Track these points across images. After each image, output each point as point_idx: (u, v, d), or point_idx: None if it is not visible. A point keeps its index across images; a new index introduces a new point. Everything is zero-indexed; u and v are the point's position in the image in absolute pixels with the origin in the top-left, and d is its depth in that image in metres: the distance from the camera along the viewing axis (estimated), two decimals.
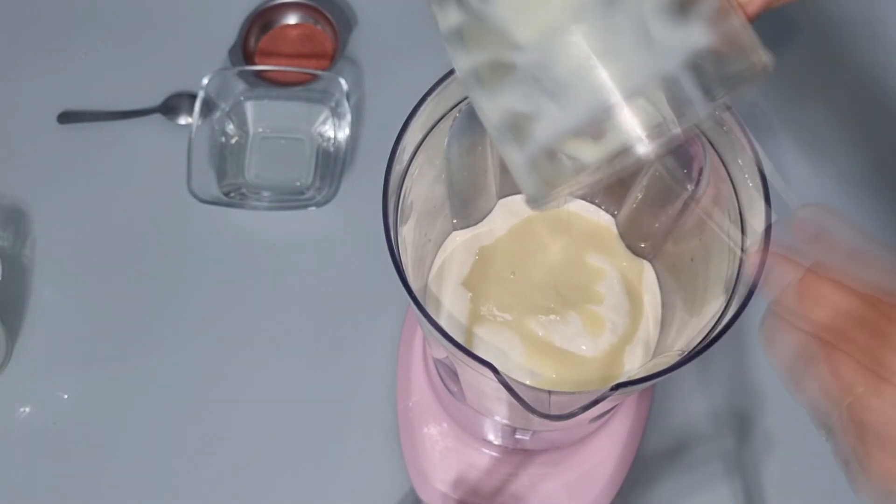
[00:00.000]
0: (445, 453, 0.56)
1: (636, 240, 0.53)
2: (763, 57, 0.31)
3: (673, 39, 0.30)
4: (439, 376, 0.55)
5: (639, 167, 0.31)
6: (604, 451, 0.56)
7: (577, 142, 0.32)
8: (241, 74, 0.69)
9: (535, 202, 0.34)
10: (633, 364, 0.49)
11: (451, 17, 0.34)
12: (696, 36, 0.30)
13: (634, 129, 0.30)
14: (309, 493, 0.59)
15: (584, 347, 0.49)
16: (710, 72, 0.30)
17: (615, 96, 0.30)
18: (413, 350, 0.59)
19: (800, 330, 0.32)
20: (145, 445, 0.61)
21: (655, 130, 0.30)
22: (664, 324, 0.51)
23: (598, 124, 0.31)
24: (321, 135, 0.70)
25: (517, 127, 0.33)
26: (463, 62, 0.34)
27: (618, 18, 0.30)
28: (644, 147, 0.30)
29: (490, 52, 0.33)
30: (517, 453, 0.56)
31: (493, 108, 0.34)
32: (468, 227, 0.53)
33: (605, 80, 0.30)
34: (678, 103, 0.30)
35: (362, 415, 0.61)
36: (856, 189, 0.68)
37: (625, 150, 0.31)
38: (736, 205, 0.42)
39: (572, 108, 0.31)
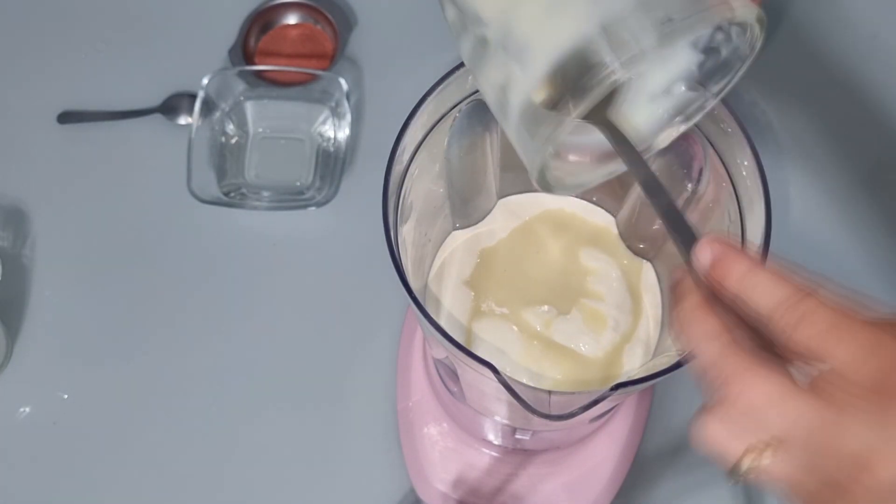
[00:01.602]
0: (445, 453, 0.56)
1: (636, 240, 0.53)
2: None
3: None
4: (439, 376, 0.55)
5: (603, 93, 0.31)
6: (604, 451, 0.56)
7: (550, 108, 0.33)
8: (241, 74, 0.69)
9: (536, 174, 0.36)
10: (633, 364, 0.49)
11: (449, 12, 0.37)
12: None
13: (604, 59, 0.31)
14: (309, 493, 0.59)
15: (585, 346, 0.49)
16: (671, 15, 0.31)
17: (566, 46, 0.32)
18: (413, 350, 0.59)
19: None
20: (145, 445, 0.61)
21: (601, 70, 0.31)
22: (664, 324, 0.51)
23: (559, 74, 0.33)
24: (321, 135, 0.70)
25: (502, 101, 0.35)
26: (462, 48, 0.37)
27: None
28: (604, 75, 0.31)
29: (471, 33, 0.36)
30: (517, 453, 0.56)
31: (486, 84, 0.36)
32: (468, 226, 0.53)
33: (556, 32, 0.32)
34: (624, 42, 0.31)
35: (362, 415, 0.61)
36: (856, 189, 0.68)
37: (584, 88, 0.31)
38: (736, 205, 0.42)
39: (531, 64, 0.33)
